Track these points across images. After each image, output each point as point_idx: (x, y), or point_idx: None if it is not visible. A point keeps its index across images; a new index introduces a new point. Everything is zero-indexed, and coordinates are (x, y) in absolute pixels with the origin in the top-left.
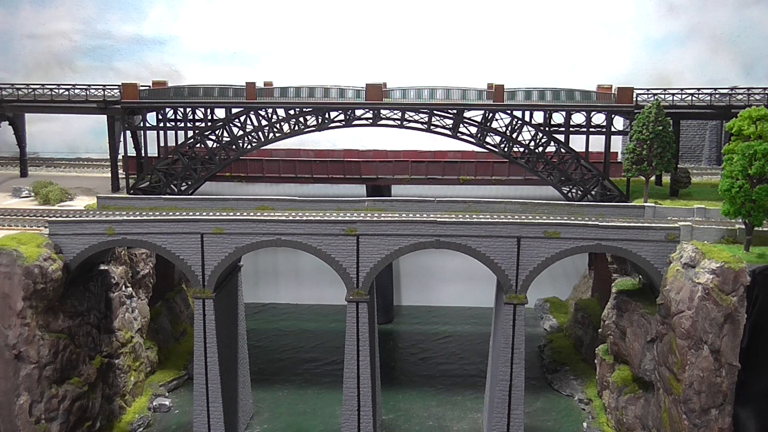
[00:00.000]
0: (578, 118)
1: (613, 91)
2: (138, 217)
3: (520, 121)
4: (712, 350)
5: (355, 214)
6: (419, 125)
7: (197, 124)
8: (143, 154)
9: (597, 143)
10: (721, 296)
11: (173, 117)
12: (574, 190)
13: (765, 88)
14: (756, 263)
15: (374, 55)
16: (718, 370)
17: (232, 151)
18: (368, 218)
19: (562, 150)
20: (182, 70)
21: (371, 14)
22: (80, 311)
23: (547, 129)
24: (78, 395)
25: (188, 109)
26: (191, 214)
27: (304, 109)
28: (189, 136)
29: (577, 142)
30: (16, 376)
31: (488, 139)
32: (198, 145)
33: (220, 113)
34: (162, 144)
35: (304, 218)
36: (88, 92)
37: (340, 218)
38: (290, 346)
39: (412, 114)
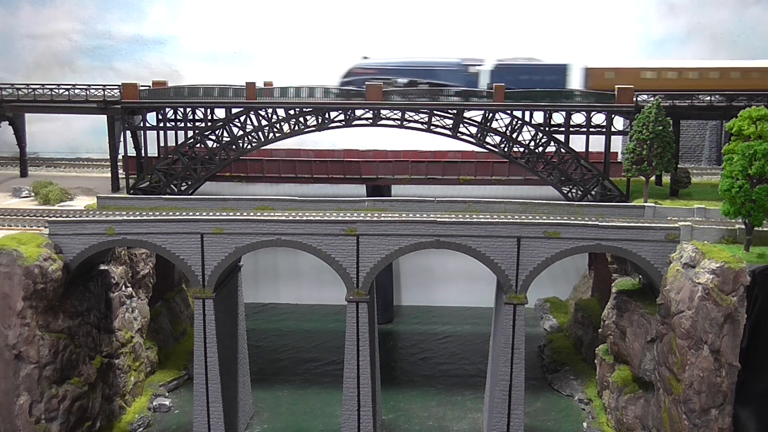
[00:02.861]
0: (578, 118)
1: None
2: (138, 217)
3: (520, 121)
4: (712, 350)
5: (355, 214)
6: (419, 125)
7: (197, 124)
8: (143, 154)
9: (597, 143)
10: (721, 296)
11: (173, 117)
12: (574, 190)
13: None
14: (756, 263)
15: (374, 55)
16: (718, 370)
17: (232, 151)
18: (368, 218)
19: (562, 150)
20: (182, 70)
21: (371, 15)
22: (80, 311)
23: (547, 129)
24: (78, 395)
25: (188, 109)
26: (191, 214)
27: (304, 109)
28: (189, 136)
29: (577, 142)
30: (16, 376)
31: (488, 139)
32: (198, 145)
33: (220, 113)
34: (162, 144)
35: (304, 218)
36: (88, 92)
37: (340, 218)
38: (290, 346)
39: (412, 114)
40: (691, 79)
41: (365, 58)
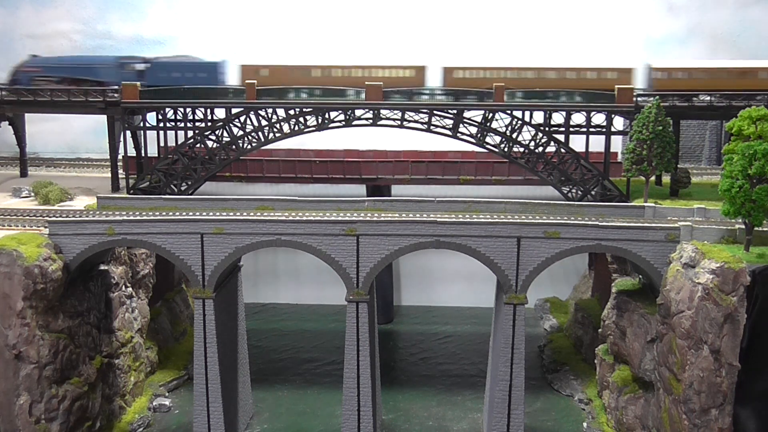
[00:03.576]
0: (578, 118)
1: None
2: (138, 217)
3: (520, 121)
4: (712, 350)
5: (355, 214)
6: (419, 125)
7: (197, 124)
8: (143, 154)
9: (597, 143)
10: (721, 296)
11: (173, 117)
12: (574, 190)
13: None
14: (756, 263)
15: (374, 56)
16: (718, 370)
17: (232, 151)
18: (368, 218)
19: (562, 150)
20: None
21: (372, 16)
22: (80, 311)
23: (547, 129)
24: (78, 395)
25: (188, 109)
26: (191, 214)
27: (304, 109)
28: (189, 136)
29: (577, 142)
30: (16, 376)
31: (488, 139)
32: (198, 145)
33: (220, 113)
34: (162, 144)
35: (304, 218)
36: (88, 92)
37: (340, 218)
38: (290, 346)
39: (412, 114)
40: (334, 77)
41: (34, 56)
